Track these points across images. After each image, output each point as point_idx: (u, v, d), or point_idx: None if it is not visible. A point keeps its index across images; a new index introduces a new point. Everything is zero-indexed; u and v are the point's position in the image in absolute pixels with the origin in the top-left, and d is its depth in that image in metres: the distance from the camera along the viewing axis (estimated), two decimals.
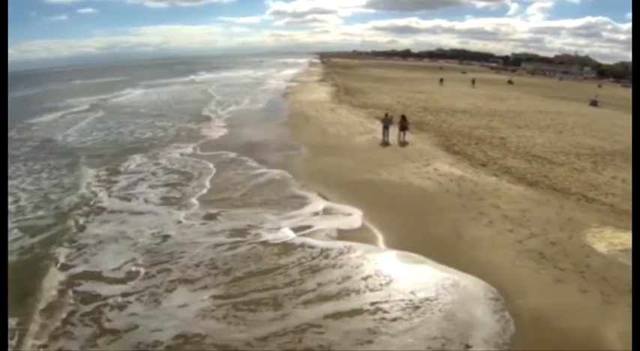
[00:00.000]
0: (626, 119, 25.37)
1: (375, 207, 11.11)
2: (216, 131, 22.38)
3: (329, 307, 7.20)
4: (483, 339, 6.34)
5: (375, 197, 11.83)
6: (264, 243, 9.43)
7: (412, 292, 7.54)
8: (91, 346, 6.34)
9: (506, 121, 24.46)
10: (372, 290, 7.68)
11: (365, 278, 8.05)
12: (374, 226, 10.05)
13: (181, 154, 17.52)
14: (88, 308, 7.22)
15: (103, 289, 7.82)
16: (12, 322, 6.67)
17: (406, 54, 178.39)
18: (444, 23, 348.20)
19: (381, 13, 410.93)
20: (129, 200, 12.37)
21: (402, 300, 7.33)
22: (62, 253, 9.20)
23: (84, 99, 41.05)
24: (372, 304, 7.26)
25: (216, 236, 9.82)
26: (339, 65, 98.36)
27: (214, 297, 7.48)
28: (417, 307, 7.12)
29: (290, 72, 78.28)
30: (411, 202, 11.47)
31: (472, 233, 9.56)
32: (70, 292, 7.71)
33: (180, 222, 10.63)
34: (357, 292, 7.64)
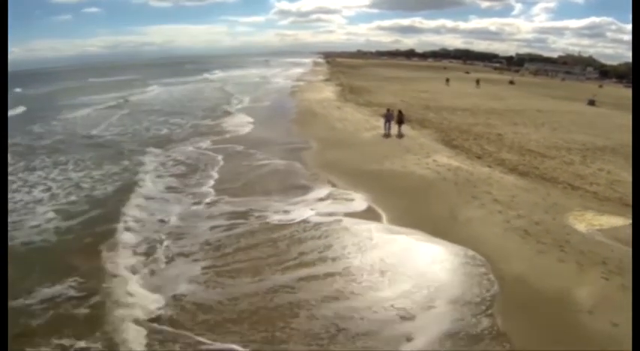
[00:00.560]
0: (621, 117, 26.49)
1: (379, 192, 12.36)
2: (242, 127, 23.80)
3: (305, 272, 8.23)
4: (467, 296, 7.50)
5: (380, 184, 13.07)
6: (276, 224, 10.61)
7: (400, 258, 8.78)
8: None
9: (504, 118, 25.61)
10: (353, 257, 8.83)
11: (348, 246, 9.27)
12: (378, 207, 11.31)
13: (207, 146, 19.15)
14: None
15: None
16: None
17: (410, 54, 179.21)
18: (448, 23, 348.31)
19: (385, 12, 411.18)
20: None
21: (391, 265, 8.52)
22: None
23: (106, 96, 42.32)
24: (348, 268, 8.38)
25: (233, 218, 11.02)
26: (344, 65, 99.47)
27: (203, 268, 8.51)
28: (401, 271, 8.30)
29: (296, 71, 79.62)
30: (412, 189, 12.70)
31: (465, 214, 10.78)
32: None
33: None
34: (335, 258, 8.78)
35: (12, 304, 6.96)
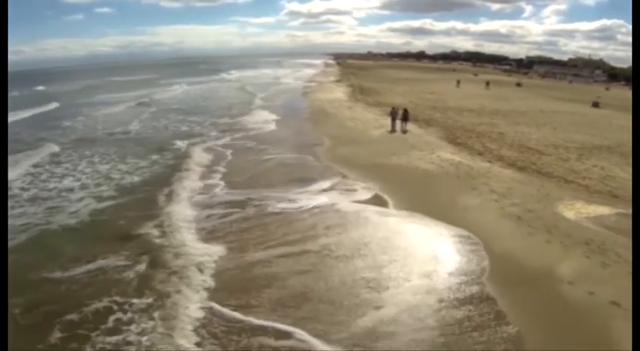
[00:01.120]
0: (623, 119, 27.27)
1: (385, 182, 13.66)
2: (267, 124, 25.60)
3: (284, 250, 9.37)
4: (460, 267, 8.73)
5: (387, 176, 14.36)
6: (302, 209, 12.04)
7: (394, 236, 10.13)
8: None
9: (507, 119, 26.64)
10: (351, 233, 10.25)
11: (350, 226, 10.64)
12: (385, 195, 12.69)
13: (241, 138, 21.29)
14: None
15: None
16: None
17: (421, 56, 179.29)
18: (459, 25, 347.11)
19: (395, 14, 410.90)
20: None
21: (395, 243, 9.83)
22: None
23: (131, 94, 44.40)
24: (327, 244, 9.62)
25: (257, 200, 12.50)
26: (355, 66, 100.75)
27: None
28: (394, 246, 9.60)
29: (308, 72, 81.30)
30: (416, 180, 13.97)
31: (464, 201, 12.00)
32: None
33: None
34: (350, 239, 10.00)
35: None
